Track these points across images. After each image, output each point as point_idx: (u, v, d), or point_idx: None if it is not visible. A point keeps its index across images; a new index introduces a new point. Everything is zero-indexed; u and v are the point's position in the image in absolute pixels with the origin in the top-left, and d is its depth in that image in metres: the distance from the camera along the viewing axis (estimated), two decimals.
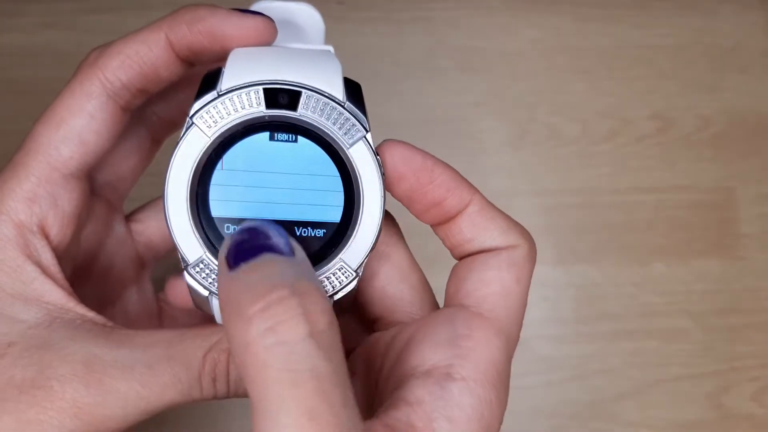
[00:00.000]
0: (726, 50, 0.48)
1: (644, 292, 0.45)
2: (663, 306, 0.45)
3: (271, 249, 0.18)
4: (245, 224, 0.19)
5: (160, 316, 0.28)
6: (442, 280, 0.23)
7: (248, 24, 0.21)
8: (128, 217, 0.28)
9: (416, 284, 0.23)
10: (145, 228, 0.27)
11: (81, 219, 0.23)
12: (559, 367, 0.44)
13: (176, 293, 0.23)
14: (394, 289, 0.23)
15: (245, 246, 0.18)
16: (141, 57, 0.22)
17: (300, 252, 0.18)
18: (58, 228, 0.22)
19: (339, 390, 0.16)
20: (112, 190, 0.26)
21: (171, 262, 0.28)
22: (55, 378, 0.19)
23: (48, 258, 0.22)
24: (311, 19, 0.24)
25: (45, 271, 0.21)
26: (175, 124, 0.27)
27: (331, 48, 0.23)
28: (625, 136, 0.46)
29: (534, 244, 0.22)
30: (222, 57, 0.21)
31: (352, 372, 0.22)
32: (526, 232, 0.22)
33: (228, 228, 0.20)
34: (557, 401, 0.43)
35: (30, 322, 0.20)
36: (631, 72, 0.47)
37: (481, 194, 0.22)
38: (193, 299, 0.21)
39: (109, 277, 0.26)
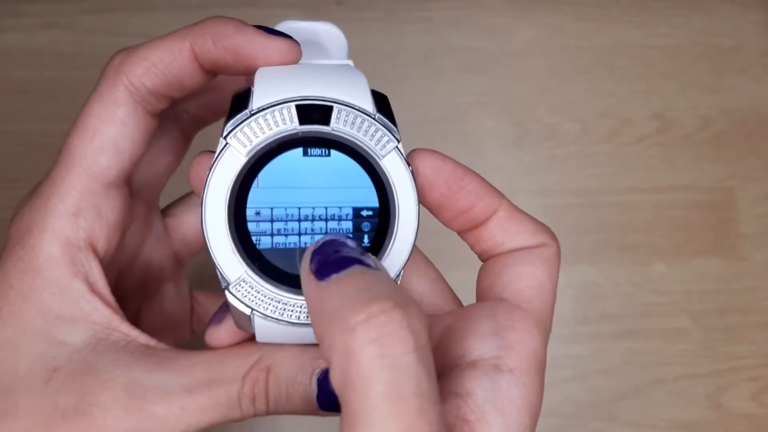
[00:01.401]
0: (726, 50, 0.48)
1: (644, 292, 0.45)
2: (663, 306, 0.45)
3: (359, 261, 0.18)
4: (326, 237, 0.19)
5: (192, 316, 0.29)
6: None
7: (274, 46, 0.21)
8: (163, 212, 0.28)
9: (435, 278, 0.24)
10: (180, 223, 0.28)
11: (125, 225, 0.23)
12: (559, 366, 0.44)
13: (217, 338, 0.22)
14: (415, 285, 0.23)
15: (332, 257, 0.18)
16: (166, 65, 0.22)
17: (381, 266, 0.18)
18: (105, 239, 0.22)
19: (436, 407, 0.16)
20: (149, 189, 0.26)
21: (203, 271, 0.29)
22: (96, 405, 0.20)
23: (95, 273, 0.22)
24: (335, 38, 0.24)
25: (92, 287, 0.21)
26: (204, 122, 0.27)
27: (350, 62, 0.23)
28: (625, 136, 0.46)
29: (559, 244, 0.23)
30: (246, 72, 0.22)
31: None
32: (552, 232, 0.23)
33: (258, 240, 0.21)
34: (557, 401, 0.43)
35: (76, 345, 0.21)
36: (631, 72, 0.47)
37: (507, 199, 0.22)
38: (234, 320, 0.21)
39: (148, 275, 0.27)
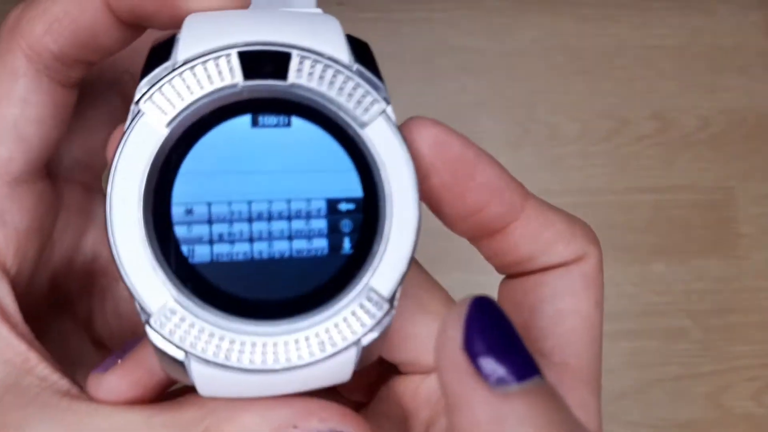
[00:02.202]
0: (725, 50, 0.48)
1: (644, 292, 0.45)
2: (662, 306, 0.45)
3: (536, 365, 0.13)
4: (476, 297, 0.13)
5: None
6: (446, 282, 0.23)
7: None
8: None
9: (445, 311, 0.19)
10: None
11: (44, 227, 0.19)
12: None
13: (102, 391, 0.16)
14: (418, 328, 0.17)
15: (504, 348, 0.13)
16: (72, 19, 0.16)
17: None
18: (15, 252, 0.17)
19: None
20: (84, 170, 0.21)
21: None
22: None
23: (4, 297, 0.17)
24: None
25: (2, 315, 0.17)
26: None
27: (319, 10, 0.17)
28: (624, 136, 0.46)
29: (599, 243, 0.18)
30: (176, 24, 0.16)
31: (385, 415, 0.18)
32: (590, 230, 0.18)
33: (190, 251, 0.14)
34: None
35: None
36: (631, 72, 0.47)
37: (534, 197, 0.17)
38: (163, 367, 0.15)
39: (95, 272, 0.22)
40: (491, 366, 0.13)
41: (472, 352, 0.13)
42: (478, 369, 0.13)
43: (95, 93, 0.20)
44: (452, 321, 0.13)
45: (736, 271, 0.46)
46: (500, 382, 0.13)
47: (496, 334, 0.13)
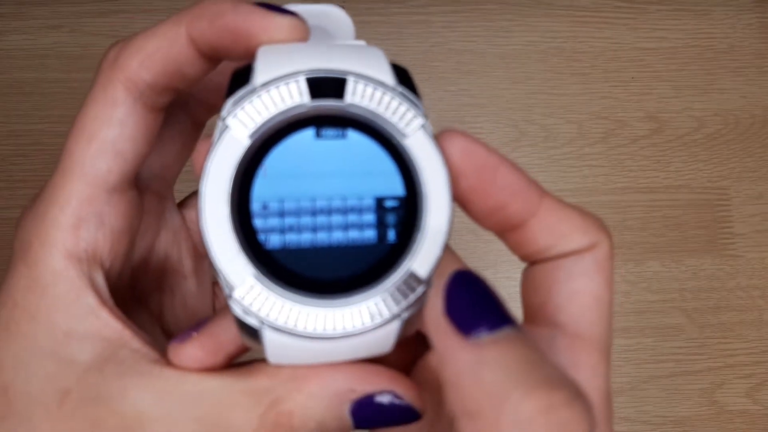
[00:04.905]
0: (720, 52, 0.49)
1: (639, 290, 0.45)
2: (657, 304, 0.45)
3: (511, 320, 0.15)
4: (457, 270, 0.16)
5: (214, 310, 0.27)
6: None
7: (276, 23, 0.19)
8: (180, 205, 0.26)
9: None
10: None
11: (133, 230, 0.22)
12: None
13: (183, 358, 0.20)
14: None
15: (478, 307, 0.15)
16: (163, 54, 0.20)
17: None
18: (110, 248, 0.21)
19: None
20: (159, 181, 0.24)
21: None
22: None
23: (101, 286, 0.20)
24: (338, 20, 0.22)
25: (100, 301, 0.20)
26: (214, 107, 0.25)
27: (363, 42, 0.20)
28: (619, 137, 0.47)
29: (610, 235, 0.20)
30: (248, 55, 0.19)
31: (422, 383, 0.21)
32: (601, 222, 0.20)
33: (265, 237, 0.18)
34: None
35: (85, 364, 0.19)
36: (626, 74, 0.48)
37: (550, 195, 0.19)
38: (242, 338, 0.19)
39: (167, 271, 0.25)
40: (468, 323, 0.15)
41: (452, 314, 0.15)
42: (457, 328, 0.15)
43: (167, 115, 0.23)
44: (435, 292, 0.16)
45: (731, 270, 0.46)
46: (471, 332, 0.15)
47: (472, 298, 0.16)
